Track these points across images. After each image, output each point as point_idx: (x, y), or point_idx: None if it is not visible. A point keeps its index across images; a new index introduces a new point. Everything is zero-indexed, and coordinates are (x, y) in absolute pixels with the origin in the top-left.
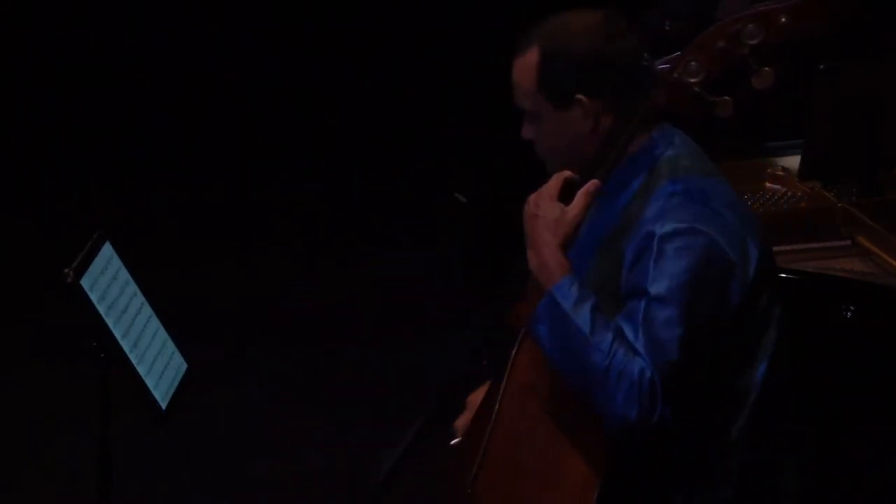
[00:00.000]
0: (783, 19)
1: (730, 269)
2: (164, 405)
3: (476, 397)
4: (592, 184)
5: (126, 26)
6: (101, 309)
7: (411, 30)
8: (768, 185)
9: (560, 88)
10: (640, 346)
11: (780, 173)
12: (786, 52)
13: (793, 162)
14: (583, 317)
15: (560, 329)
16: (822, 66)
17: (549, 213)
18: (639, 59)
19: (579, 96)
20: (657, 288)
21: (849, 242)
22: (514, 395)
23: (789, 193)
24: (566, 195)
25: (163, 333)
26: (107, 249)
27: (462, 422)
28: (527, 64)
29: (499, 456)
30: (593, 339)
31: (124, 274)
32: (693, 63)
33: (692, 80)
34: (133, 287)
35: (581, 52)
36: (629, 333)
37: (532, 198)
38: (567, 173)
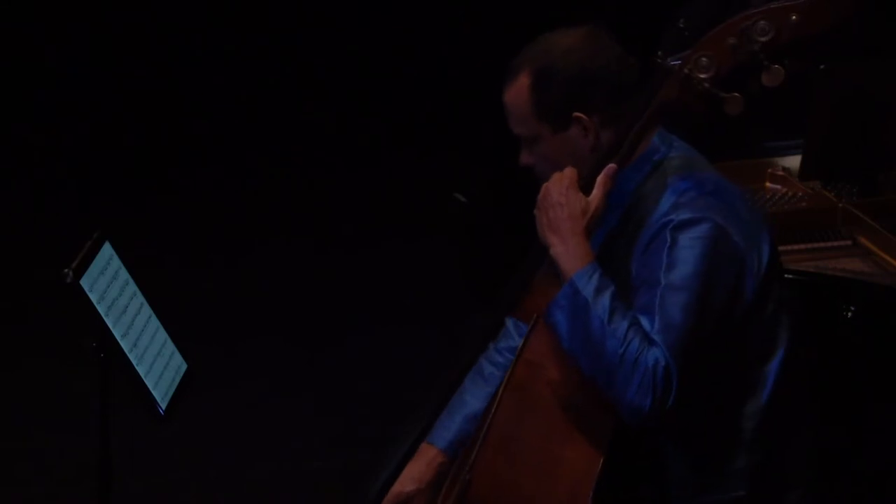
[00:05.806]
0: (794, 17)
1: (742, 260)
2: (163, 405)
3: (398, 488)
4: (610, 168)
5: (126, 25)
6: (100, 309)
7: (412, 28)
8: (768, 185)
9: (556, 109)
10: (655, 335)
11: (780, 173)
12: (797, 50)
13: (793, 162)
14: (602, 305)
15: (579, 316)
16: (822, 66)
17: (574, 202)
18: (627, 67)
19: (577, 114)
20: (671, 277)
21: (849, 242)
22: (516, 388)
23: (789, 193)
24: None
25: (163, 333)
26: (107, 249)
27: None
28: (519, 89)
29: (497, 445)
30: (610, 326)
31: (124, 274)
32: (704, 59)
33: (703, 76)
34: (133, 287)
35: (571, 70)
36: (646, 323)
37: (552, 186)
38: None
